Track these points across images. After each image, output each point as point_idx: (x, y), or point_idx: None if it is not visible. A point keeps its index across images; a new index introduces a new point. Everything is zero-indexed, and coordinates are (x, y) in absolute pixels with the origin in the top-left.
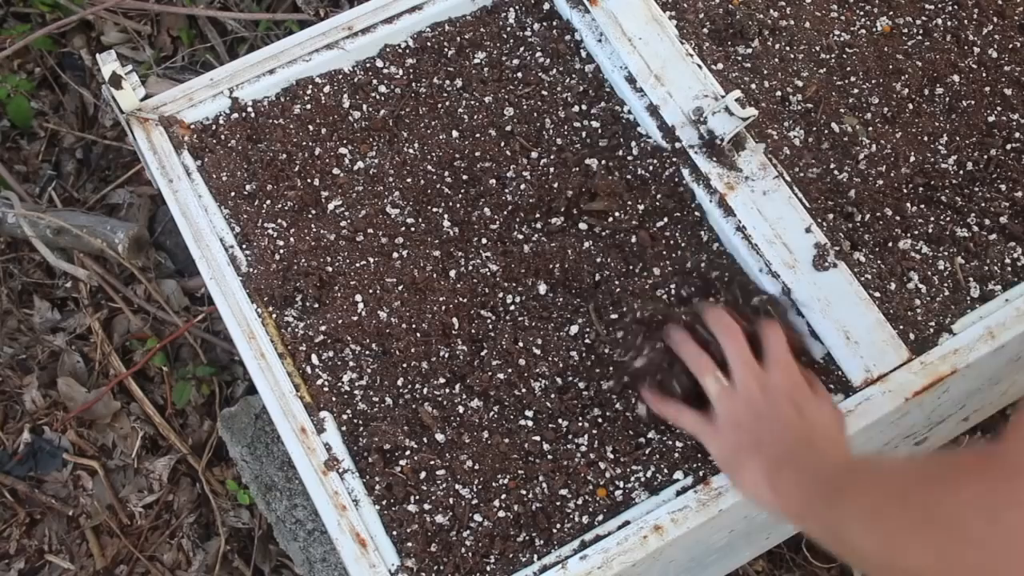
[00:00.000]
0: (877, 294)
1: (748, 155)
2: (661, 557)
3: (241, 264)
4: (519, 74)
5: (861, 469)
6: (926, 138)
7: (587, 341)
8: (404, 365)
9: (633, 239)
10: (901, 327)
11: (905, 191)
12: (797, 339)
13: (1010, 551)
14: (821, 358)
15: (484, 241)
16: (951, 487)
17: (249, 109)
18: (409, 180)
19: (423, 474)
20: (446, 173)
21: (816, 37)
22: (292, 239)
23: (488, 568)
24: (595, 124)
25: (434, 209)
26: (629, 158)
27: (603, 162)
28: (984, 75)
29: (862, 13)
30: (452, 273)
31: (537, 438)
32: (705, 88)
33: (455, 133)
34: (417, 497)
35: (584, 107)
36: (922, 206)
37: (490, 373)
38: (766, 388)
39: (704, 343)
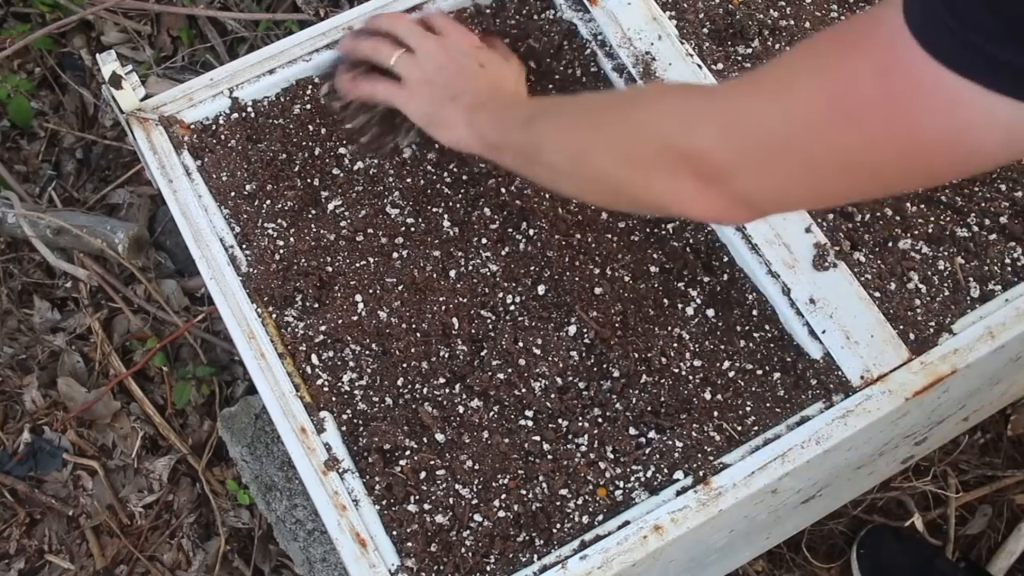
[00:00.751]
0: (877, 294)
1: None
2: (661, 557)
3: (241, 264)
4: None
5: (554, 101)
6: None
7: (587, 341)
8: (404, 365)
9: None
10: (901, 327)
11: None
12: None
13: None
14: (821, 358)
15: (484, 241)
16: (644, 99)
17: (249, 109)
18: (409, 180)
19: (423, 474)
20: (445, 173)
21: None
22: (292, 239)
23: (488, 568)
24: None
25: (434, 209)
26: None
27: None
28: None
29: None
30: (452, 273)
31: (537, 438)
32: None
33: None
34: (417, 497)
35: None
36: (922, 206)
37: (490, 373)
38: (446, 47)
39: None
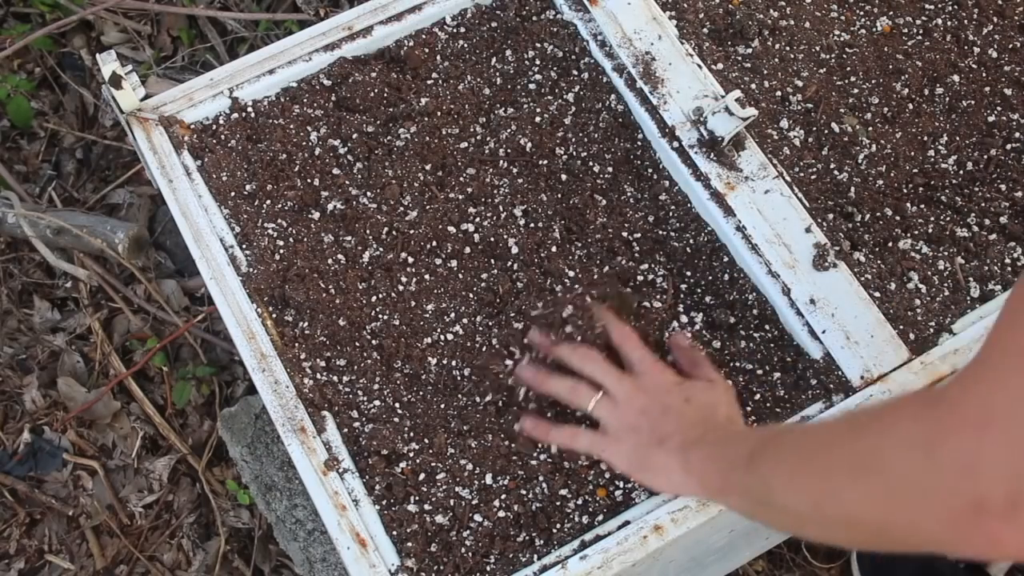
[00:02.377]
0: (877, 294)
1: (748, 155)
2: (661, 557)
3: (241, 264)
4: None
5: (775, 432)
6: (926, 138)
7: None
8: (405, 368)
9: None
10: (901, 327)
11: (905, 191)
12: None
13: (944, 482)
14: (821, 358)
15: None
16: (884, 428)
17: (249, 109)
18: (409, 180)
19: (422, 475)
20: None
21: (816, 37)
22: (292, 239)
23: (488, 568)
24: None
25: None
26: (631, 157)
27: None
28: (984, 75)
29: (862, 13)
30: (460, 276)
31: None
32: (705, 88)
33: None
34: (417, 497)
35: (584, 107)
36: (922, 206)
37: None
38: (646, 389)
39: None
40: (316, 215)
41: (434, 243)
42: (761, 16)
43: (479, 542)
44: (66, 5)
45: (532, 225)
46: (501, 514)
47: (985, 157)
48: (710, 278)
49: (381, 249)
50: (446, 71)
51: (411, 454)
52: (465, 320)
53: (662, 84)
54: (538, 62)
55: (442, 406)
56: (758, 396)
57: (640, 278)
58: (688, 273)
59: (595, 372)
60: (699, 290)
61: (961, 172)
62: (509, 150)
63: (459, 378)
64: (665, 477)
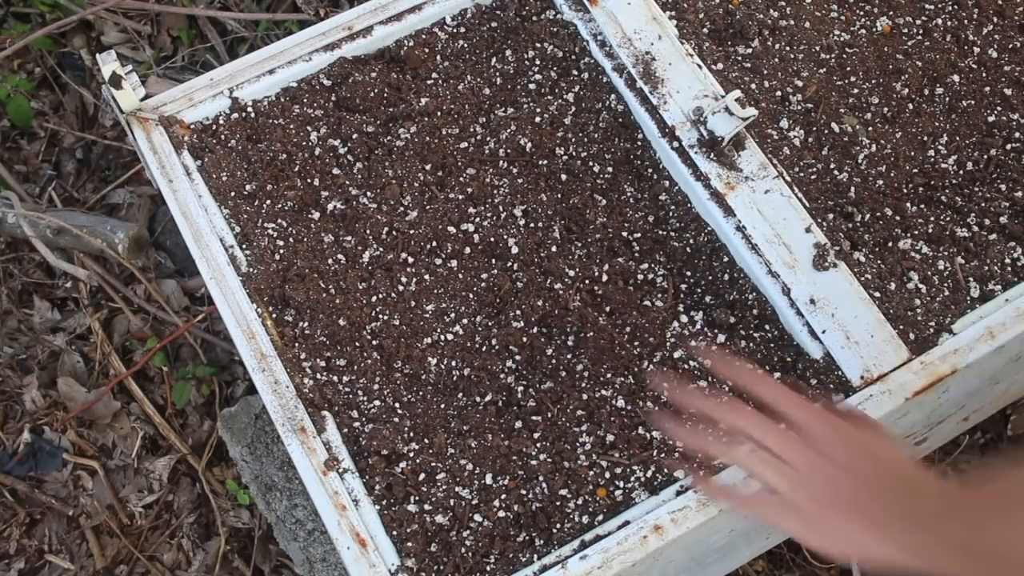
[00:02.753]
0: (877, 294)
1: (748, 155)
2: (661, 557)
3: (241, 264)
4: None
5: (1005, 487)
6: (926, 138)
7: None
8: (405, 368)
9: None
10: (901, 327)
11: (905, 191)
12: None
13: None
14: (821, 358)
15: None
16: None
17: (249, 109)
18: (409, 180)
19: (422, 475)
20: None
21: (816, 37)
22: (292, 239)
23: (488, 568)
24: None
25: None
26: (631, 157)
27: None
28: (984, 75)
29: (862, 13)
30: (460, 276)
31: (538, 435)
32: (705, 88)
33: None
34: (417, 497)
35: (584, 107)
36: (922, 206)
37: (491, 378)
38: (821, 449)
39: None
40: (316, 215)
41: (434, 243)
42: (761, 16)
43: (479, 542)
44: (66, 5)
45: (532, 225)
46: (501, 514)
47: (985, 157)
48: (710, 278)
49: (381, 249)
50: (446, 71)
51: (411, 454)
52: (465, 320)
53: (662, 84)
54: (538, 62)
55: (442, 406)
56: None
57: (640, 278)
58: (688, 273)
59: (752, 428)
60: (699, 290)
61: (961, 172)
62: (509, 150)
63: (459, 378)
64: (871, 551)
